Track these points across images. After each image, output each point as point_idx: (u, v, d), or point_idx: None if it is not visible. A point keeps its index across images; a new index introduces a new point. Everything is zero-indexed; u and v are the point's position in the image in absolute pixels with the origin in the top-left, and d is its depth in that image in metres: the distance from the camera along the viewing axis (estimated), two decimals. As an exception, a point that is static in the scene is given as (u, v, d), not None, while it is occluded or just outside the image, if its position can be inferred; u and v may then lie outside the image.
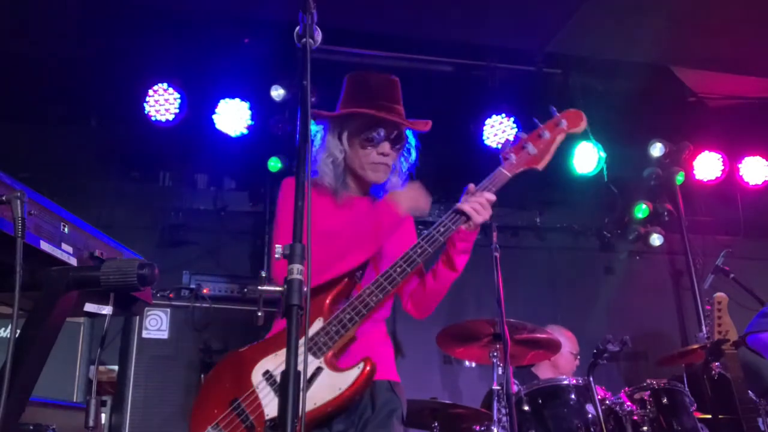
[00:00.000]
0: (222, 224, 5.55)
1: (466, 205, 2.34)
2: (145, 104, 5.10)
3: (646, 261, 6.39)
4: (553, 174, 5.90)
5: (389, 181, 2.54)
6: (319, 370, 2.21)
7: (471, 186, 2.41)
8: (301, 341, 2.17)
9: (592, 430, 3.65)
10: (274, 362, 2.25)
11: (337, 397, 2.16)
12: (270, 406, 2.19)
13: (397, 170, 2.55)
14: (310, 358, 2.21)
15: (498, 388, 3.68)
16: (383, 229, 2.38)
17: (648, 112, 5.81)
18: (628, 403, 3.86)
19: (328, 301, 2.29)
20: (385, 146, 2.45)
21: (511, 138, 2.53)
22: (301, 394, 1.41)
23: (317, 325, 2.26)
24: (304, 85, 1.72)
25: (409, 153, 2.57)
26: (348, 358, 2.28)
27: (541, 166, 2.47)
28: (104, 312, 1.81)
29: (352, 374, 2.18)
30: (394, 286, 2.28)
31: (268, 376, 2.25)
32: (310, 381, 2.18)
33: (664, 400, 3.89)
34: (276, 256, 1.54)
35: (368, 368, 2.18)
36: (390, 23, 5.14)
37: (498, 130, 5.53)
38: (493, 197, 2.38)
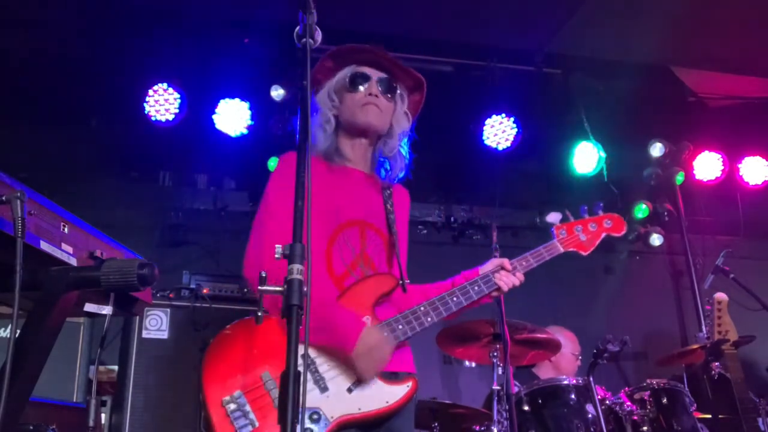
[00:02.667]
0: (222, 224, 5.54)
1: (502, 283, 2.50)
2: (145, 104, 5.09)
3: (646, 261, 6.39)
4: (553, 174, 5.91)
5: (394, 164, 2.48)
6: None
7: (506, 262, 2.55)
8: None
9: (592, 430, 3.65)
10: (315, 348, 2.16)
11: (383, 409, 2.17)
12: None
13: (394, 132, 2.46)
14: None
15: (498, 388, 3.68)
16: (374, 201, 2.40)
17: (648, 112, 5.79)
18: (628, 403, 3.86)
19: (372, 300, 2.26)
20: (373, 86, 2.43)
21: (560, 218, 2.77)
22: (300, 395, 1.40)
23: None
24: (304, 85, 1.72)
25: (401, 110, 2.50)
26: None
27: (586, 253, 2.81)
28: (104, 312, 1.81)
29: (401, 391, 2.21)
30: (448, 313, 2.33)
31: (310, 361, 2.16)
32: (357, 384, 2.17)
33: (664, 400, 3.89)
34: (276, 255, 1.52)
35: (414, 387, 2.23)
36: (390, 23, 5.14)
37: (498, 130, 5.51)
38: (522, 279, 2.61)
